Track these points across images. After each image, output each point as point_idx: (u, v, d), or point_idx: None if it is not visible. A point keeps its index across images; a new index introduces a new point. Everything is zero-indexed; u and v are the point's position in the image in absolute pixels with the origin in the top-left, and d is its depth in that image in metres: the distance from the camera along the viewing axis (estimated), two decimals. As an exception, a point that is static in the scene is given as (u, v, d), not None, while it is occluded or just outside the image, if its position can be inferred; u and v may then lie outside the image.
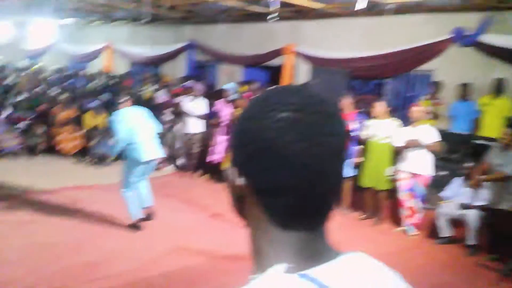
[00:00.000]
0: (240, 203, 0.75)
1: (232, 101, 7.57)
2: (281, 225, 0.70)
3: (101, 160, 8.22)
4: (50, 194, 6.27)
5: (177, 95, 8.74)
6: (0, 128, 8.03)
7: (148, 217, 5.26)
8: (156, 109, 8.97)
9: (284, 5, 8.22)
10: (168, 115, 8.48)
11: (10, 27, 17.06)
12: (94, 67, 14.57)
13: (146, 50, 13.25)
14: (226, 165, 4.93)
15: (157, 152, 5.19)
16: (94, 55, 15.13)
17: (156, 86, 10.31)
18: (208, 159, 7.62)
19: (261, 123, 0.69)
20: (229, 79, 9.92)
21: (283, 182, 0.68)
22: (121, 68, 13.76)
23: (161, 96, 8.64)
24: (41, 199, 6.04)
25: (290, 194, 0.69)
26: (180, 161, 8.31)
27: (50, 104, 9.38)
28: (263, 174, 0.69)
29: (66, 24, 15.42)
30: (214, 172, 7.75)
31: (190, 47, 12.15)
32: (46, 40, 16.43)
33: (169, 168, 8.35)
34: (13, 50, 17.58)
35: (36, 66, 14.34)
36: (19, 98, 9.23)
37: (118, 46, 14.26)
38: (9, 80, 10.50)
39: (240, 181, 0.72)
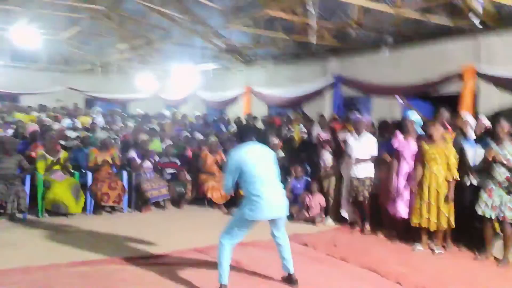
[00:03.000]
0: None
1: (418, 136, 5.97)
2: None
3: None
4: (200, 252, 5.23)
5: (337, 131, 7.41)
6: (148, 175, 7.41)
7: (291, 283, 4.23)
8: (311, 150, 7.76)
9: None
10: (327, 156, 7.14)
11: (153, 79, 17.78)
12: (232, 113, 14.13)
13: (287, 90, 12.35)
14: (416, 220, 5.34)
15: (281, 208, 4.09)
16: (233, 100, 14.77)
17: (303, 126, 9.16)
18: (390, 211, 6.01)
19: None
20: (385, 114, 8.34)
21: None
22: (260, 112, 13.02)
23: (319, 134, 7.37)
24: (191, 258, 5.01)
25: None
26: (346, 214, 6.83)
27: (196, 150, 8.72)
28: None
29: (205, 71, 15.39)
30: (394, 227, 6.11)
31: (337, 82, 10.91)
32: (186, 89, 16.65)
33: (330, 222, 6.90)
34: (154, 102, 18.29)
35: (178, 113, 14.33)
36: (163, 145, 8.72)
37: (257, 89, 13.67)
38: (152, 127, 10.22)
39: None
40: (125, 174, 7.24)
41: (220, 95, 15.13)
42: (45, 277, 4.28)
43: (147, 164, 7.48)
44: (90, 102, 19.37)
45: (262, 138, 8.61)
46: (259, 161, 3.94)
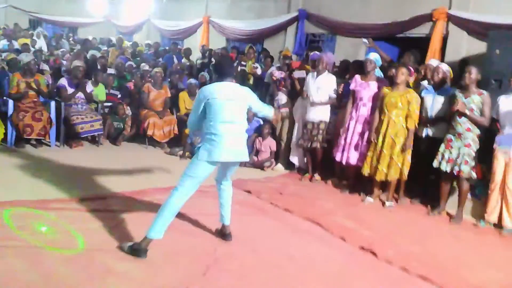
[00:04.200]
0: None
1: (378, 79, 5.43)
2: None
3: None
4: (136, 195, 4.63)
5: (294, 69, 6.74)
6: (79, 106, 6.59)
7: (224, 236, 3.77)
8: (265, 89, 7.11)
9: None
10: (282, 97, 6.53)
11: (103, 4, 16.32)
12: (189, 45, 13.14)
13: (248, 24, 11.46)
14: (367, 170, 5.09)
15: (241, 153, 3.52)
16: (190, 31, 13.71)
17: (261, 63, 8.42)
18: (338, 157, 5.54)
19: None
20: (349, 57, 7.72)
21: None
22: (218, 45, 12.11)
23: (274, 72, 6.69)
24: (125, 203, 4.40)
25: None
26: (296, 159, 6.33)
27: (139, 82, 7.88)
28: None
29: (160, -2, 14.13)
30: (346, 176, 5.69)
31: (301, 17, 10.10)
32: (139, 16, 15.38)
33: (280, 168, 6.41)
34: (105, 28, 16.90)
35: (126, 42, 13.19)
36: (104, 74, 7.79)
37: (216, 21, 12.65)
38: (92, 54, 9.17)
39: None
40: (53, 104, 6.37)
41: (176, 24, 13.99)
42: None
43: (80, 94, 6.61)
44: (35, 24, 17.70)
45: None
46: (228, 101, 3.41)
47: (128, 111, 7.24)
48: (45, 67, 8.04)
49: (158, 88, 7.20)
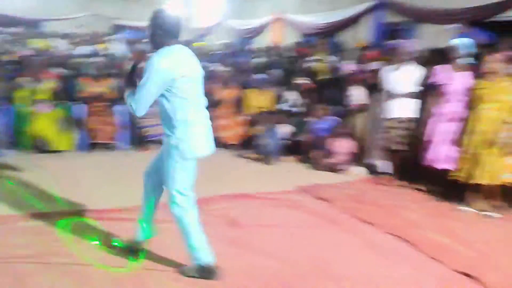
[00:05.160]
0: None
1: (468, 66, 4.67)
2: None
3: (271, 155, 6.08)
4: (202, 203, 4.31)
5: (370, 61, 6.11)
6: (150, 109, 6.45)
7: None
8: (338, 84, 6.53)
9: None
10: (357, 92, 5.93)
11: (178, 6, 16.51)
12: (261, 42, 12.83)
13: (320, 18, 10.89)
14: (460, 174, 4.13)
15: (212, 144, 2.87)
16: (261, 29, 13.40)
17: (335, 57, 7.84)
18: (425, 161, 4.84)
19: None
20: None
21: None
22: (290, 41, 11.66)
23: (346, 66, 6.11)
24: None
25: None
26: (377, 161, 5.69)
27: (209, 83, 7.63)
28: None
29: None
30: (436, 182, 4.96)
31: (379, 6, 9.33)
32: (214, 18, 15.37)
33: (359, 171, 5.80)
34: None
35: (198, 43, 13.14)
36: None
37: (288, 17, 12.22)
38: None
39: None
40: (120, 108, 6.30)
41: (247, 23, 13.74)
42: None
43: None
44: (118, 30, 18.42)
45: (286, 74, 7.49)
46: (195, 77, 2.74)
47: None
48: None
49: (228, 88, 6.91)
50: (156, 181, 2.99)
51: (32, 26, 16.01)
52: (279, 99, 6.94)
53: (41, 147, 5.70)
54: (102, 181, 4.92)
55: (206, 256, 2.80)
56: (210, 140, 2.84)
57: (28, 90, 5.84)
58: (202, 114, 2.79)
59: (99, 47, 11.76)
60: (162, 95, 2.65)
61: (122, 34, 15.64)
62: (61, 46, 11.90)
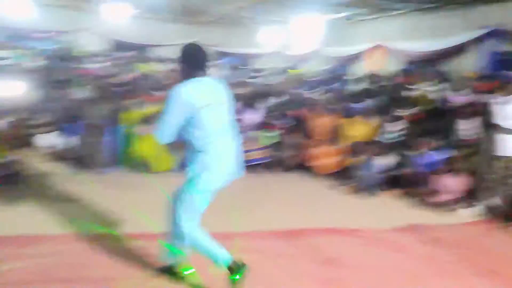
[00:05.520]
0: None
1: None
2: None
3: (368, 188, 5.74)
4: (291, 235, 4.11)
5: (482, 92, 5.56)
6: (250, 133, 6.47)
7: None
8: (444, 116, 6.03)
9: None
10: (467, 125, 5.39)
11: (276, 34, 16.75)
12: (360, 70, 12.51)
13: (425, 45, 10.31)
14: None
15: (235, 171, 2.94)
16: (360, 56, 13.08)
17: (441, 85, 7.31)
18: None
19: None
20: None
21: None
22: (390, 69, 11.19)
23: (455, 96, 5.62)
24: (277, 244, 3.91)
25: None
26: (490, 202, 5.07)
27: (305, 110, 7.50)
28: None
29: (331, 23, 13.84)
30: None
31: (492, 35, 8.60)
32: (311, 44, 15.35)
33: (470, 212, 5.20)
34: (277, 58, 17.33)
35: (297, 70, 13.17)
36: (273, 102, 7.65)
37: (389, 44, 11.78)
38: (265, 82, 9.20)
39: None
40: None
41: (346, 50, 13.51)
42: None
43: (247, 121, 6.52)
44: (220, 56, 19.18)
45: (387, 103, 7.12)
46: (216, 105, 2.79)
47: (292, 139, 6.87)
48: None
49: (324, 115, 6.71)
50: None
51: (141, 51, 17.23)
52: (378, 129, 6.58)
53: (142, 168, 5.91)
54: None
55: (225, 254, 2.91)
56: (232, 168, 2.87)
57: (134, 112, 6.14)
58: (224, 144, 2.81)
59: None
60: (184, 125, 2.72)
61: (223, 60, 16.23)
62: (162, 70, 12.57)
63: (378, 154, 5.99)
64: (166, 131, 2.69)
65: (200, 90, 2.72)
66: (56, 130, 6.34)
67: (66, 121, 6.13)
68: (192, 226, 2.88)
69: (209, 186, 2.78)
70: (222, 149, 2.78)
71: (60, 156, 6.14)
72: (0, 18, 15.70)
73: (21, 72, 8.67)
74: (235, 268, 2.87)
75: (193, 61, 2.80)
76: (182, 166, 6.05)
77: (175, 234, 2.97)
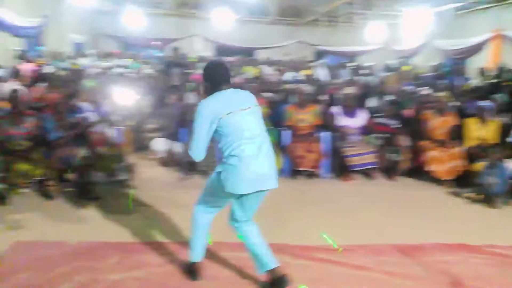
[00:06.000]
0: None
1: None
2: None
3: (499, 196, 5.12)
4: (411, 251, 3.77)
5: None
6: (352, 137, 6.17)
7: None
8: None
9: None
10: None
11: (382, 29, 16.00)
12: (475, 63, 11.42)
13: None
14: None
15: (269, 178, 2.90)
16: (477, 48, 11.95)
17: None
18: None
19: None
20: None
21: None
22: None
23: None
24: (398, 261, 3.61)
25: None
26: None
27: (419, 109, 6.96)
28: None
29: (442, 14, 12.85)
30: None
31: None
32: (420, 37, 14.42)
33: None
34: (384, 54, 16.57)
35: (406, 66, 12.43)
36: (383, 100, 7.21)
37: (510, 34, 10.60)
38: (370, 80, 8.76)
39: None
40: (326, 135, 6.16)
41: (460, 43, 12.45)
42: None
43: (352, 123, 6.20)
44: (321, 56, 18.92)
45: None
46: (242, 111, 2.85)
47: (405, 142, 6.40)
48: (323, 97, 8.05)
49: (441, 114, 6.15)
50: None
51: (246, 54, 17.63)
52: (507, 129, 5.86)
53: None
54: (298, 210, 4.78)
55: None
56: (264, 174, 2.83)
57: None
58: (252, 149, 2.79)
59: (303, 73, 12.10)
60: (214, 136, 2.85)
61: (324, 59, 15.93)
62: (268, 73, 12.65)
63: (507, 158, 5.33)
64: (199, 147, 2.83)
65: (222, 100, 2.85)
66: (170, 134, 6.59)
67: (180, 126, 6.34)
68: (202, 211, 3.08)
69: (234, 190, 2.80)
70: (249, 154, 2.78)
71: (173, 161, 6.36)
72: (116, 29, 17.13)
73: (137, 79, 9.27)
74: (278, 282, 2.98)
75: (213, 79, 2.95)
76: (285, 171, 6.02)
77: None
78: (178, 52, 11.85)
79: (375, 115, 6.66)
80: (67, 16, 14.81)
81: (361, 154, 5.95)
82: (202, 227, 3.11)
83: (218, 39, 18.19)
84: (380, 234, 4.17)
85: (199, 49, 17.77)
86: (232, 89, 2.94)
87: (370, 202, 5.20)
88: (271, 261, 2.98)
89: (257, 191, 2.83)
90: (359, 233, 4.18)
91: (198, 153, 2.85)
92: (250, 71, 12.20)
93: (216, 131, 2.82)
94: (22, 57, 10.14)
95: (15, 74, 7.54)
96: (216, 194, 2.96)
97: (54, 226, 4.13)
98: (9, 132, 4.84)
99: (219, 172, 2.84)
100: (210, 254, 3.45)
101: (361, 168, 6.02)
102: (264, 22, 18.75)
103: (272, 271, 2.98)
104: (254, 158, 2.78)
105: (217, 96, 2.87)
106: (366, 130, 6.33)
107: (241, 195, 2.86)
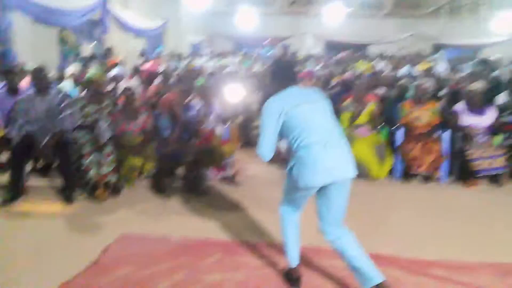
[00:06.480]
0: None
1: None
2: None
3: None
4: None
5: None
6: (478, 138, 5.48)
7: None
8: None
9: None
10: None
11: (509, 22, 14.28)
12: None
13: None
14: None
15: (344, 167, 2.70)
16: None
17: None
18: None
19: None
20: None
21: None
22: None
23: None
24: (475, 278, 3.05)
25: None
26: None
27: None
28: None
29: None
30: None
31: None
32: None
33: None
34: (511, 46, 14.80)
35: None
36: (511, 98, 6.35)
37: None
38: (499, 74, 7.77)
39: None
40: (446, 135, 5.55)
41: None
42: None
43: (478, 123, 5.50)
44: (438, 49, 17.58)
45: None
46: (310, 105, 2.79)
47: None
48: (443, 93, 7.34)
49: None
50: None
51: (357, 49, 17.00)
52: None
53: (360, 173, 5.54)
54: (410, 218, 4.33)
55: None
56: (337, 165, 2.67)
57: (350, 113, 5.83)
58: (322, 141, 2.68)
59: (420, 68, 11.26)
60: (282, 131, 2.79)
61: (442, 53, 14.74)
62: (382, 68, 12.01)
63: None
64: (267, 146, 2.78)
65: (288, 96, 2.83)
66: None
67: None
68: (288, 211, 3.00)
69: (307, 184, 2.67)
70: (318, 144, 2.66)
71: (279, 158, 6.26)
72: (230, 29, 17.64)
73: (247, 77, 9.35)
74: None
75: (279, 78, 2.96)
76: (397, 173, 5.54)
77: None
78: (287, 50, 11.77)
79: (504, 113, 5.86)
80: (185, 19, 15.62)
81: (489, 157, 5.25)
82: (290, 228, 3.01)
83: (328, 35, 17.80)
84: (509, 251, 3.59)
85: (309, 46, 17.58)
86: (298, 87, 2.93)
87: (497, 213, 4.56)
88: (376, 275, 2.68)
89: (334, 184, 2.68)
90: (483, 248, 3.64)
91: (266, 151, 2.80)
92: (363, 67, 11.68)
93: (283, 125, 2.75)
94: (143, 56, 10.85)
95: (135, 72, 8.03)
96: (293, 191, 2.86)
97: (160, 220, 4.23)
98: (124, 128, 5.10)
99: (291, 168, 2.74)
100: (309, 261, 3.23)
101: (486, 173, 5.31)
102: (378, 15, 17.88)
103: (379, 287, 2.66)
104: (323, 148, 2.66)
105: (282, 93, 2.86)
106: (493, 130, 5.58)
107: (319, 190, 2.76)
